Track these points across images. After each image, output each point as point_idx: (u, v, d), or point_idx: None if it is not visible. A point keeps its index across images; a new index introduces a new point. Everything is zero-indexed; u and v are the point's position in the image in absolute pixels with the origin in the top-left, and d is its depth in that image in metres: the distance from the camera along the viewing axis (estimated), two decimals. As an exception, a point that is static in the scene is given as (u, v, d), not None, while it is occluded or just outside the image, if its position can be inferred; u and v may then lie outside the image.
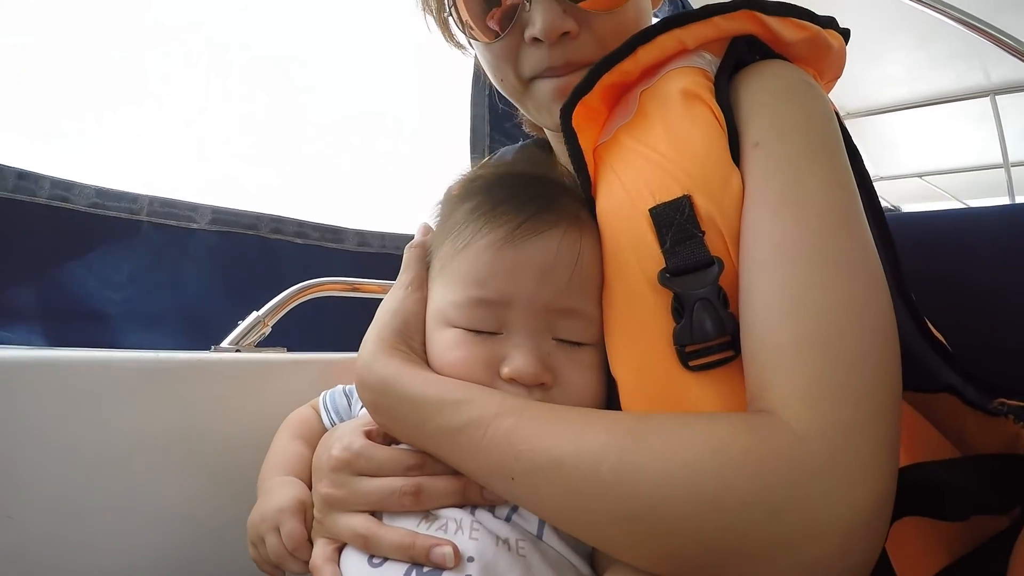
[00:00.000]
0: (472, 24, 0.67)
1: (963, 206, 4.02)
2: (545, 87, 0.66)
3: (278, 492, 0.64)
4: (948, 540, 0.53)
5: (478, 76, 1.33)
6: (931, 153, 4.12)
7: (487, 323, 0.56)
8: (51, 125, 1.48)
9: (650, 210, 0.53)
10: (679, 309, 0.51)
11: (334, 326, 1.19)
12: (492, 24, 0.65)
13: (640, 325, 0.54)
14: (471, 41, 0.70)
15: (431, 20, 0.76)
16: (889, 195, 4.33)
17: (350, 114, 2.24)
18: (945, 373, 0.59)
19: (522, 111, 0.74)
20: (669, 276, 0.51)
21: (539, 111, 0.69)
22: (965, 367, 0.59)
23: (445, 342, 0.57)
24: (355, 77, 2.22)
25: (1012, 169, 3.50)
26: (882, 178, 4.35)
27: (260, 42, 1.99)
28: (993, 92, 3.29)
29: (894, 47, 2.79)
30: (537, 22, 0.61)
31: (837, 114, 0.61)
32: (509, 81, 0.68)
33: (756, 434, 0.43)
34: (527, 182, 0.60)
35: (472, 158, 1.37)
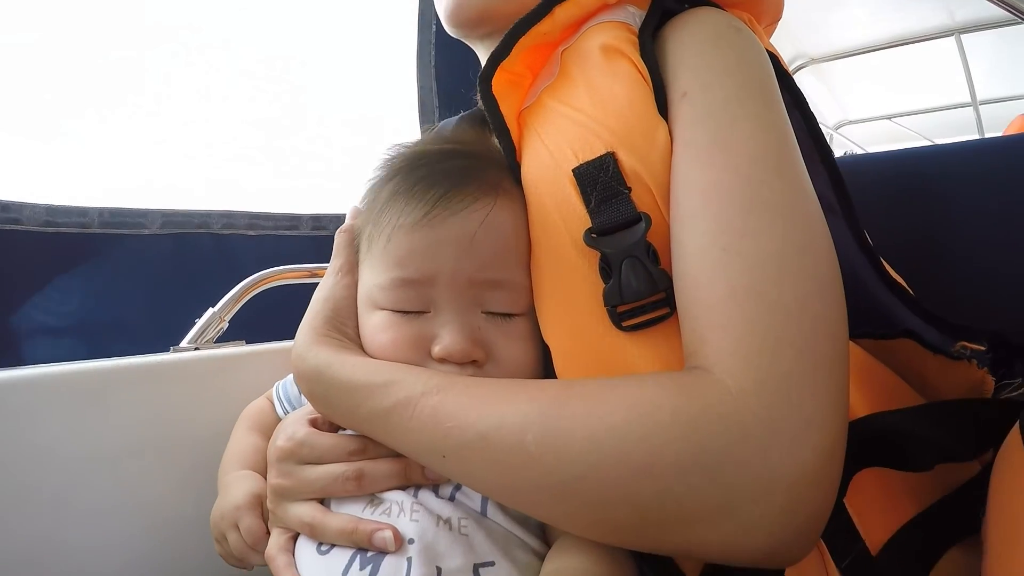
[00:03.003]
0: None
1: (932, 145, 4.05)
2: None
3: (234, 488, 0.65)
4: (915, 491, 0.52)
5: (423, 47, 1.30)
6: (899, 94, 4.14)
7: (412, 303, 0.55)
8: (51, 125, 1.50)
9: (573, 170, 0.51)
10: (607, 269, 0.49)
11: (296, 313, 1.18)
12: None
13: (570, 289, 0.52)
14: None
15: None
16: (858, 137, 4.35)
17: (350, 114, 2.28)
18: (905, 316, 0.58)
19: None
20: (595, 236, 0.50)
21: None
22: (926, 309, 0.57)
23: (374, 325, 0.56)
24: (355, 77, 2.24)
25: (980, 107, 3.52)
26: (851, 121, 4.37)
27: (260, 42, 2.02)
28: (958, 31, 3.29)
29: (856, -10, 2.77)
30: None
31: (777, 57, 0.59)
32: None
33: (686, 393, 0.41)
34: (444, 156, 0.58)
35: (422, 131, 1.35)
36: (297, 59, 2.12)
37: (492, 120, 0.58)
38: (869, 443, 0.47)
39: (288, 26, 2.07)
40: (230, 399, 0.86)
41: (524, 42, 0.57)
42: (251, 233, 1.38)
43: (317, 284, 1.12)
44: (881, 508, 0.49)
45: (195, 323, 1.02)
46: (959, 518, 0.52)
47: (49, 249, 1.18)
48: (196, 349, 0.97)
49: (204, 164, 1.75)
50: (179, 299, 1.28)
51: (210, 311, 1.02)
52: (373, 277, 0.57)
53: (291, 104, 2.13)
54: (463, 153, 0.59)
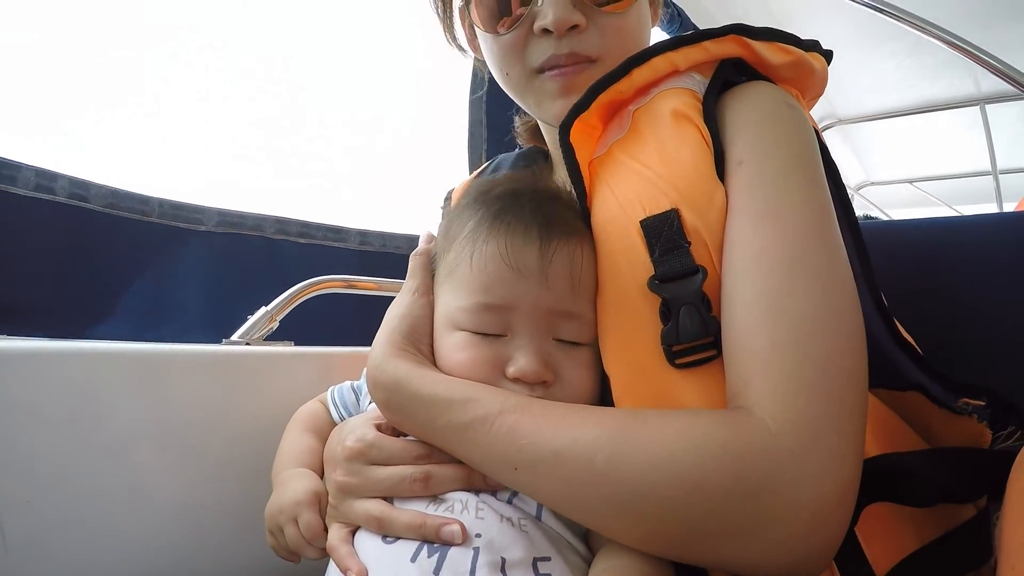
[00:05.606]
0: (484, 18, 0.72)
1: (951, 211, 4.07)
2: (551, 83, 0.70)
3: (294, 484, 0.67)
4: (918, 526, 0.58)
5: (477, 82, 1.37)
6: (921, 159, 4.17)
7: (493, 326, 0.60)
8: (50, 125, 1.49)
9: (641, 222, 0.58)
10: (666, 312, 0.56)
11: (335, 321, 1.23)
12: (503, 18, 0.70)
13: (631, 327, 0.59)
14: (482, 33, 0.74)
15: (437, 20, 0.81)
16: (879, 199, 4.38)
17: (349, 114, 2.26)
18: (913, 372, 0.63)
19: (522, 106, 0.78)
20: (658, 283, 0.56)
21: (539, 105, 0.73)
22: (932, 367, 0.63)
23: (453, 344, 0.61)
24: (355, 77, 2.24)
25: (1000, 176, 3.55)
26: (873, 183, 4.40)
27: (260, 42, 2.00)
28: (983, 101, 3.34)
29: (885, 56, 2.83)
30: (548, 14, 0.67)
31: (817, 131, 0.65)
32: (515, 74, 0.73)
33: (734, 429, 0.48)
34: (530, 196, 0.64)
35: (470, 162, 1.41)
36: (297, 59, 2.11)
37: (568, 165, 0.64)
38: (879, 479, 0.52)
39: (288, 26, 2.07)
40: (274, 396, 0.90)
41: (602, 98, 0.64)
42: (301, 241, 1.43)
43: (359, 296, 1.19)
44: (887, 539, 0.55)
45: (247, 319, 1.05)
46: (957, 554, 0.57)
47: (112, 231, 1.21)
48: (247, 344, 1.00)
49: (203, 164, 1.75)
50: (227, 295, 1.33)
51: (263, 309, 1.06)
52: (455, 300, 0.62)
53: (291, 104, 2.13)
54: (544, 194, 0.65)
